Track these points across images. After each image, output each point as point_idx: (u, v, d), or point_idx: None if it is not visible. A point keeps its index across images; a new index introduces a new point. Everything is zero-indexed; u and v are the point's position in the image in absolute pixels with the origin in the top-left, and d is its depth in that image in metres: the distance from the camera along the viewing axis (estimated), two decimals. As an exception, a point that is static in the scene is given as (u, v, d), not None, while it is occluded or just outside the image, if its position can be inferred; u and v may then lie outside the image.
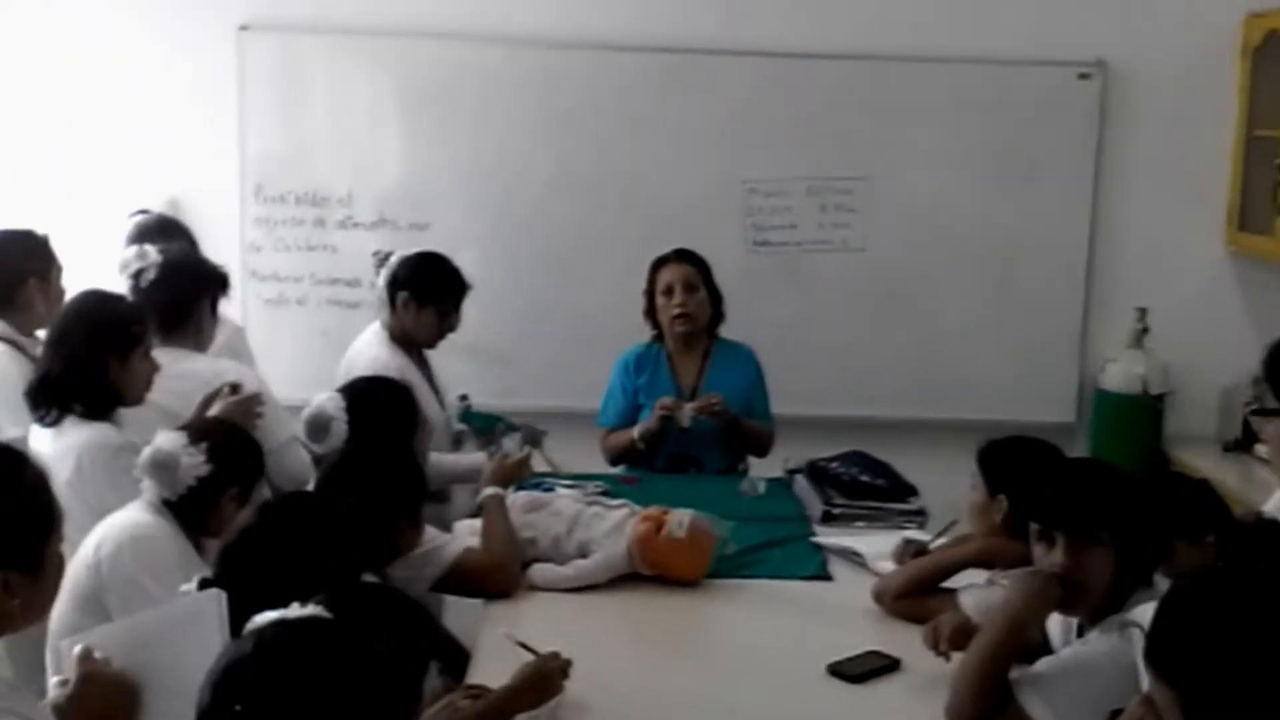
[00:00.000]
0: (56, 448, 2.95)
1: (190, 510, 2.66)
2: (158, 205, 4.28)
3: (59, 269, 3.66)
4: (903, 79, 5.13)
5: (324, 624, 1.61)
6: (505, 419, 4.10)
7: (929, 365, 5.26)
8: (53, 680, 1.95)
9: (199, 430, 2.74)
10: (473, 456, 3.88)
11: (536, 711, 2.35)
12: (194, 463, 2.63)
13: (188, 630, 1.93)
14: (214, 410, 3.15)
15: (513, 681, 2.40)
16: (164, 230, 4.05)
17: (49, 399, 3.08)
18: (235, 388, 3.29)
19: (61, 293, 3.58)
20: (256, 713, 1.49)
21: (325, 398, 3.08)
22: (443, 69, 5.08)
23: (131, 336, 3.15)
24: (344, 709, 1.52)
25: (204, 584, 2.09)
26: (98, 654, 1.93)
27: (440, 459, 3.67)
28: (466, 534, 3.16)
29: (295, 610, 1.64)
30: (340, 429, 2.99)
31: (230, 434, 2.84)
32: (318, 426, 3.01)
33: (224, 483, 2.67)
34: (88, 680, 1.90)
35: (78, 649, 1.93)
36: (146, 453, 2.65)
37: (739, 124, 5.13)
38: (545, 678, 2.42)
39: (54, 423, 3.06)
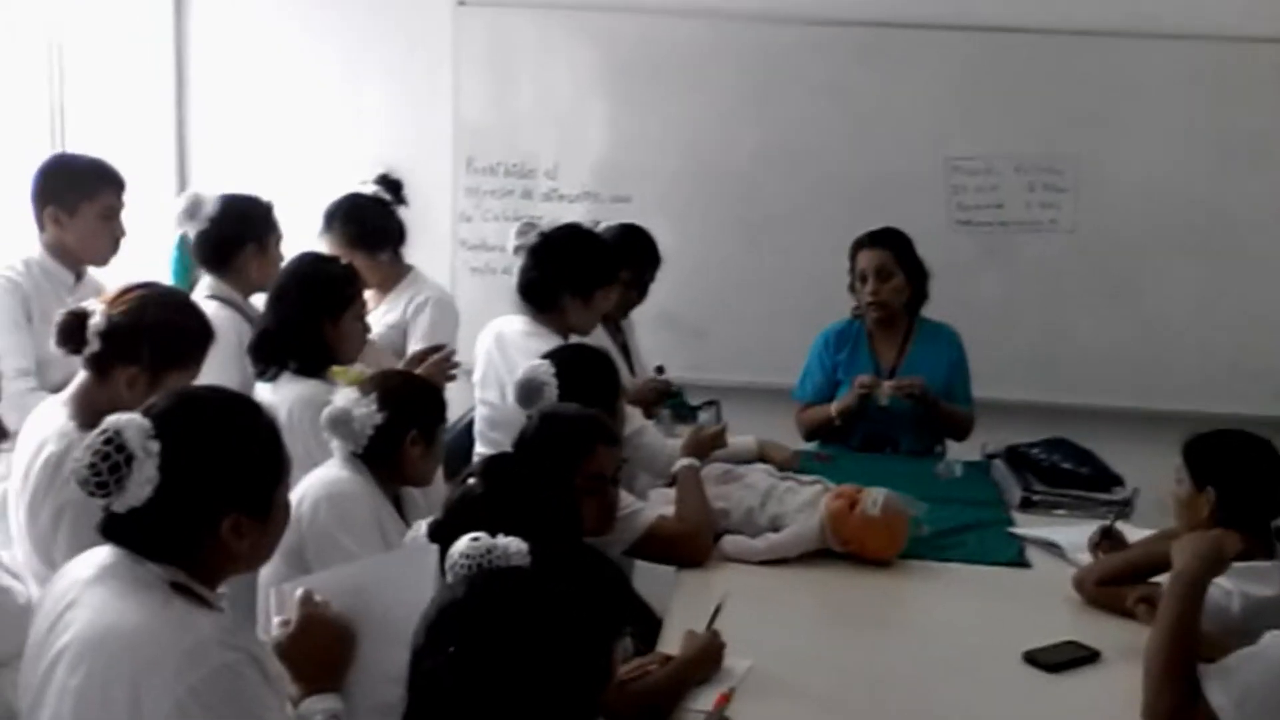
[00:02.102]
0: (272, 401, 3.08)
1: (379, 460, 2.75)
2: (376, 173, 4.42)
3: (278, 237, 3.80)
4: (1118, 55, 4.94)
5: (531, 575, 1.66)
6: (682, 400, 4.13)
7: (1138, 352, 5.08)
8: (275, 620, 2.05)
9: (369, 382, 2.84)
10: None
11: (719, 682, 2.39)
12: (367, 412, 2.71)
13: (403, 580, 2.00)
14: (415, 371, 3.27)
15: (688, 652, 2.44)
16: (347, 213, 4.16)
17: (267, 355, 3.25)
18: (438, 347, 3.42)
19: (280, 259, 3.71)
20: (468, 655, 1.56)
21: (536, 363, 3.16)
22: (649, 43, 5.13)
23: (344, 298, 3.30)
24: (548, 657, 1.57)
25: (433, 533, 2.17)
26: (318, 597, 2.03)
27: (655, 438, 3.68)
28: (660, 502, 3.21)
29: (499, 541, 1.71)
30: (551, 393, 3.06)
31: (399, 380, 2.92)
32: (530, 391, 3.09)
33: (402, 427, 2.74)
34: (308, 622, 2.00)
35: (299, 592, 2.03)
36: (326, 412, 2.75)
37: (945, 100, 5.04)
38: (716, 651, 2.46)
39: (272, 378, 3.23)
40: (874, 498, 3.11)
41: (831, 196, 5.09)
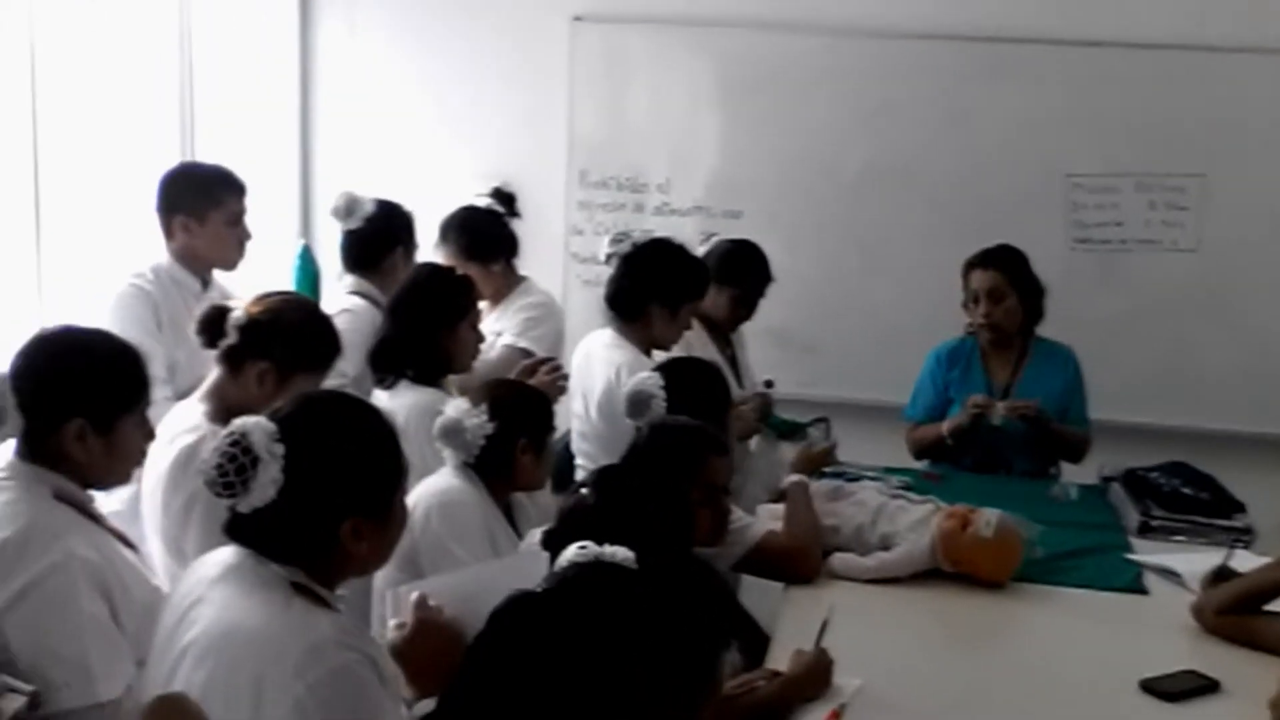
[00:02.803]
0: (389, 408, 3.13)
1: (490, 468, 2.79)
2: (491, 186, 4.49)
3: (415, 246, 3.91)
4: (1243, 71, 4.82)
5: (627, 574, 1.66)
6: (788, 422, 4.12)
7: (1262, 375, 4.93)
8: (391, 623, 2.09)
9: (480, 392, 2.87)
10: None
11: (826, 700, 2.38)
12: (478, 423, 2.75)
13: (515, 587, 2.02)
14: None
15: (794, 670, 2.43)
16: (462, 225, 4.23)
17: (386, 364, 3.32)
18: (548, 358, 3.47)
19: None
20: (533, 648, 1.54)
21: (645, 375, 3.18)
22: (763, 58, 5.13)
23: (460, 308, 3.36)
24: (623, 661, 1.55)
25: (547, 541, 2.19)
26: (432, 602, 2.06)
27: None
28: (769, 518, 3.20)
29: (607, 549, 1.71)
30: (660, 406, 3.08)
31: (509, 389, 2.96)
32: (639, 403, 3.11)
33: (512, 437, 2.78)
34: (423, 625, 2.02)
35: (414, 595, 2.06)
36: (438, 422, 2.79)
37: (1064, 116, 4.95)
38: (824, 670, 2.44)
39: (390, 386, 3.29)
40: (987, 518, 3.07)
41: (945, 213, 5.03)
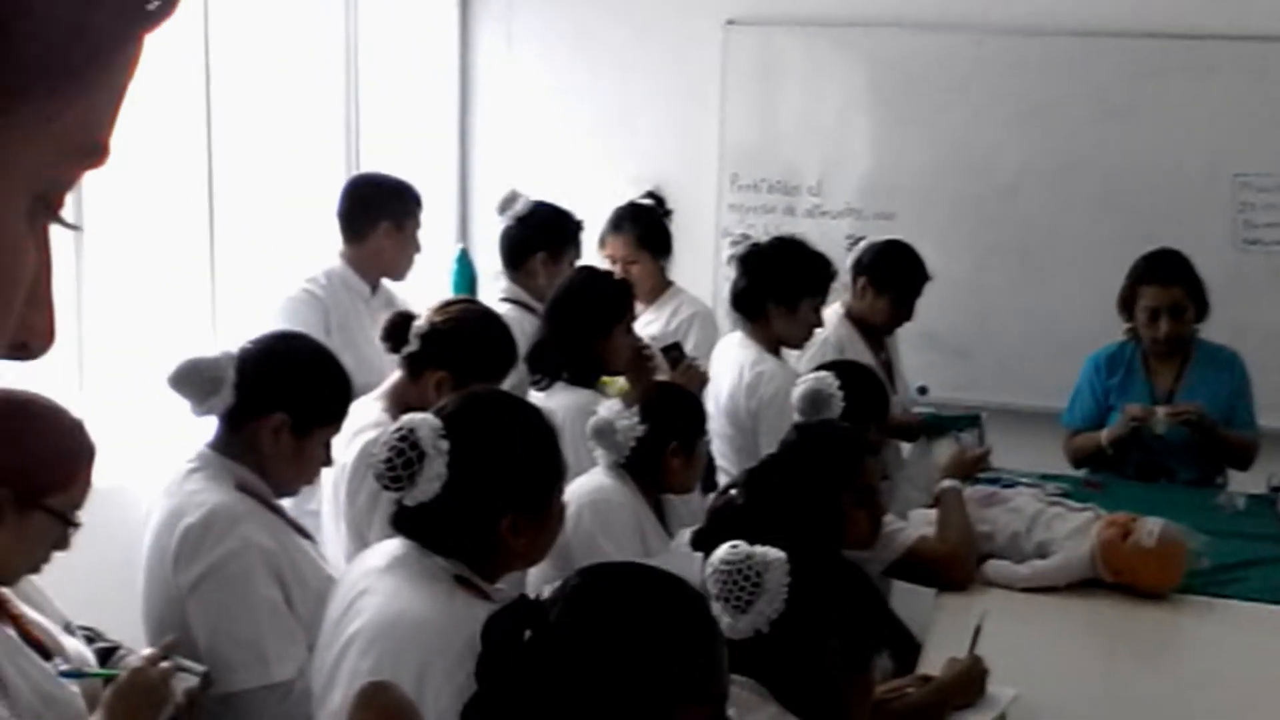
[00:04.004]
0: (545, 409, 3.21)
1: (641, 469, 2.84)
2: (644, 189, 4.55)
3: (574, 250, 3.95)
4: None
5: (666, 580, 1.61)
6: (945, 416, 4.07)
7: None
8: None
9: (632, 394, 2.92)
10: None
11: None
12: (630, 424, 2.80)
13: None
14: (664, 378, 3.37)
15: (947, 677, 2.41)
16: (635, 215, 4.28)
17: (542, 365, 3.38)
18: (679, 352, 3.50)
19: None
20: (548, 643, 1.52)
21: (821, 374, 3.19)
22: (917, 58, 5.08)
23: (615, 312, 3.41)
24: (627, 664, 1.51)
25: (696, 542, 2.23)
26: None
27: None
28: (921, 523, 3.17)
29: (757, 549, 1.72)
30: (838, 405, 3.09)
31: (662, 392, 3.01)
32: (816, 401, 3.12)
33: (663, 438, 2.83)
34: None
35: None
36: (591, 422, 2.85)
37: (1233, 114, 4.78)
38: (978, 678, 2.41)
39: (545, 387, 3.36)
40: (1150, 527, 2.99)
41: (1106, 214, 4.91)
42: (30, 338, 0.52)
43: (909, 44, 5.08)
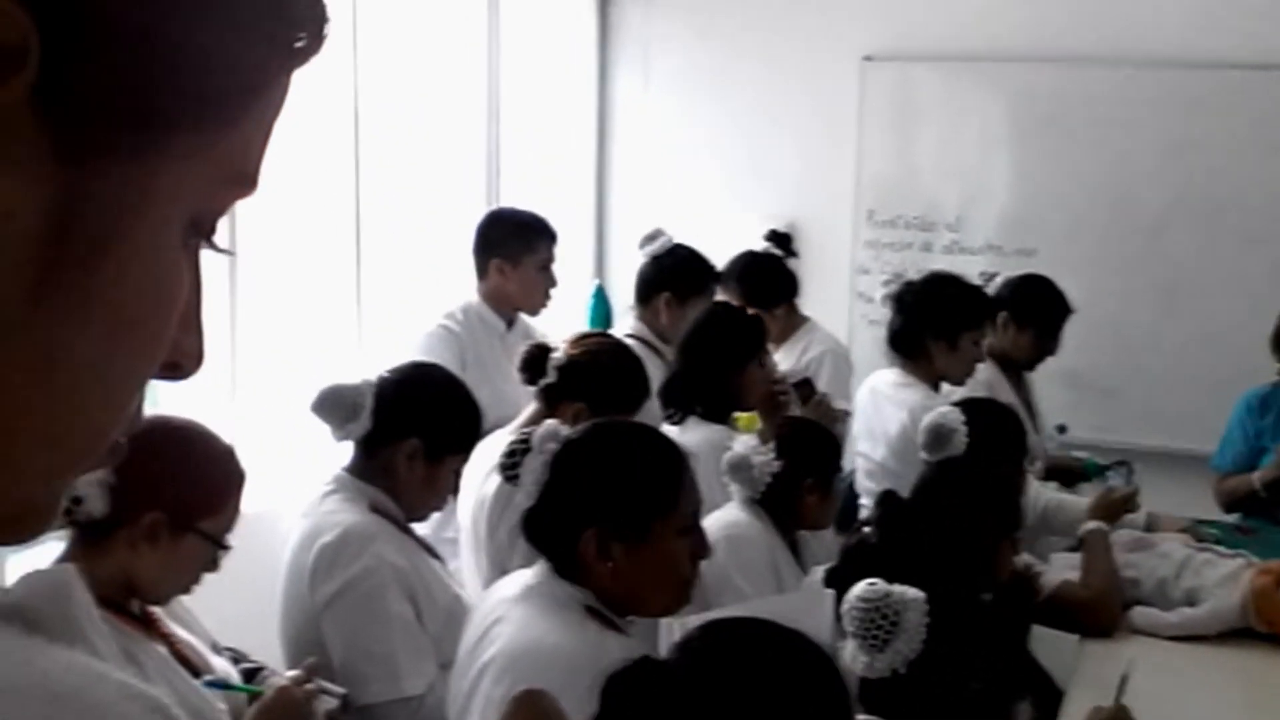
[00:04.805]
0: (678, 443, 3.22)
1: (776, 505, 2.81)
2: (780, 227, 4.54)
3: (706, 296, 3.91)
4: None
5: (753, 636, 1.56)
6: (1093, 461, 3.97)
7: None
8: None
9: (768, 429, 2.90)
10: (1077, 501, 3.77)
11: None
12: (765, 460, 2.78)
13: (800, 622, 2.03)
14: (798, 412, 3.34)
15: None
16: (744, 272, 4.25)
17: (676, 399, 3.39)
18: (810, 388, 3.47)
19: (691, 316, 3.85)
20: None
21: (945, 410, 3.15)
22: (1059, 92, 4.99)
23: (749, 348, 3.40)
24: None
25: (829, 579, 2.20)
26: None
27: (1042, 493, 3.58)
28: (1064, 567, 3.09)
29: (895, 588, 1.68)
30: (961, 441, 3.04)
31: (798, 428, 2.98)
32: (939, 437, 3.08)
33: (799, 475, 2.81)
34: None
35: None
36: (726, 457, 2.84)
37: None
38: None
39: (679, 421, 3.36)
40: (1307, 576, 2.87)
41: (1258, 251, 4.75)
42: (182, 359, 0.54)
43: (1051, 77, 4.99)
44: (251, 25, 0.50)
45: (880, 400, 3.73)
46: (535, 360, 2.87)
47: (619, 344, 3.10)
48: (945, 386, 3.76)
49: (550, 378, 2.84)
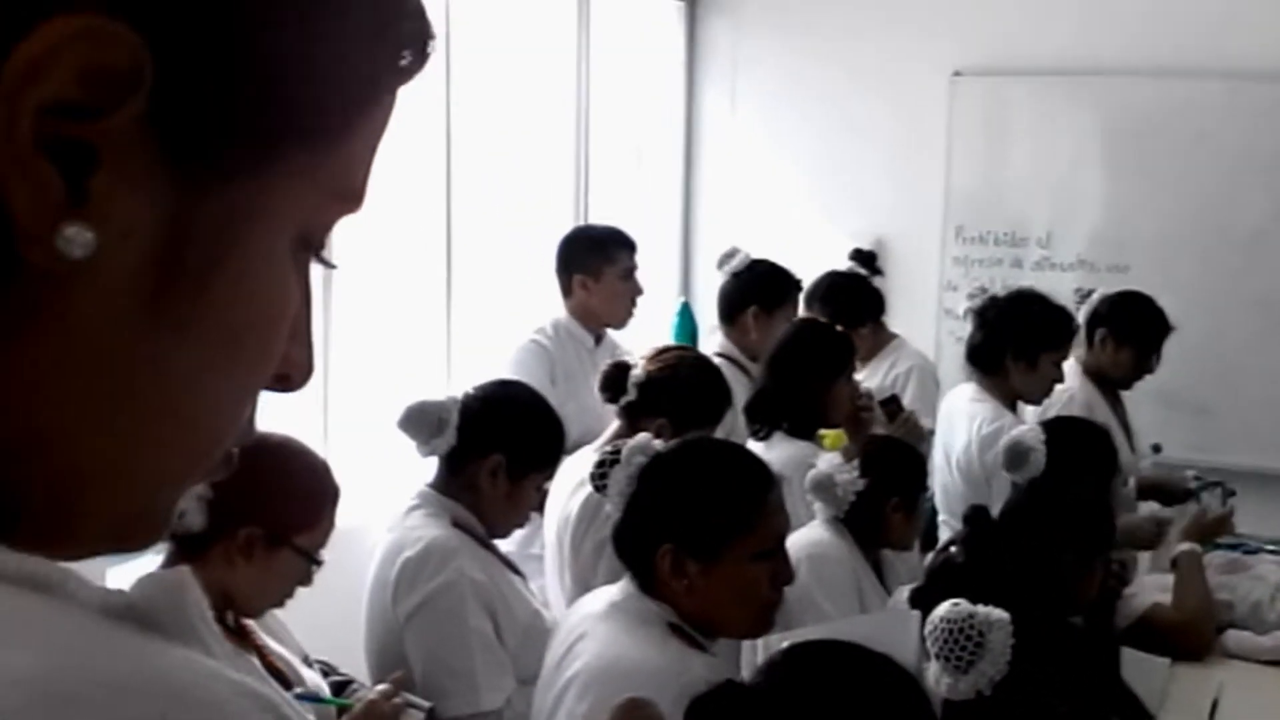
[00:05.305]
0: (764, 460, 3.22)
1: (860, 523, 2.79)
2: (867, 244, 4.53)
3: (789, 308, 3.95)
4: None
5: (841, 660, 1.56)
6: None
7: None
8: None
9: (853, 447, 2.88)
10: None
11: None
12: (850, 478, 2.76)
13: (884, 643, 2.02)
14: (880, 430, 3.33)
15: None
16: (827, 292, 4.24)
17: (762, 415, 3.39)
18: (897, 405, 3.45)
19: (779, 330, 3.85)
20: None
21: (1026, 428, 3.12)
22: (1153, 106, 4.91)
23: (837, 365, 3.39)
24: None
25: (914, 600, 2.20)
26: (798, 653, 2.10)
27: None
28: (1155, 589, 3.04)
29: (980, 609, 1.67)
30: (1038, 460, 3.00)
31: (883, 446, 2.96)
32: (1016, 455, 3.05)
33: (884, 493, 2.78)
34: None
35: (785, 645, 2.10)
36: (810, 475, 2.82)
37: None
38: None
39: (764, 437, 3.36)
40: (1407, 602, 2.79)
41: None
42: (292, 370, 0.56)
43: (1145, 91, 4.92)
44: (359, 45, 0.51)
45: (955, 415, 3.71)
46: (615, 378, 2.90)
47: (698, 356, 3.12)
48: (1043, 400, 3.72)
49: (630, 395, 2.86)
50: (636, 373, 2.87)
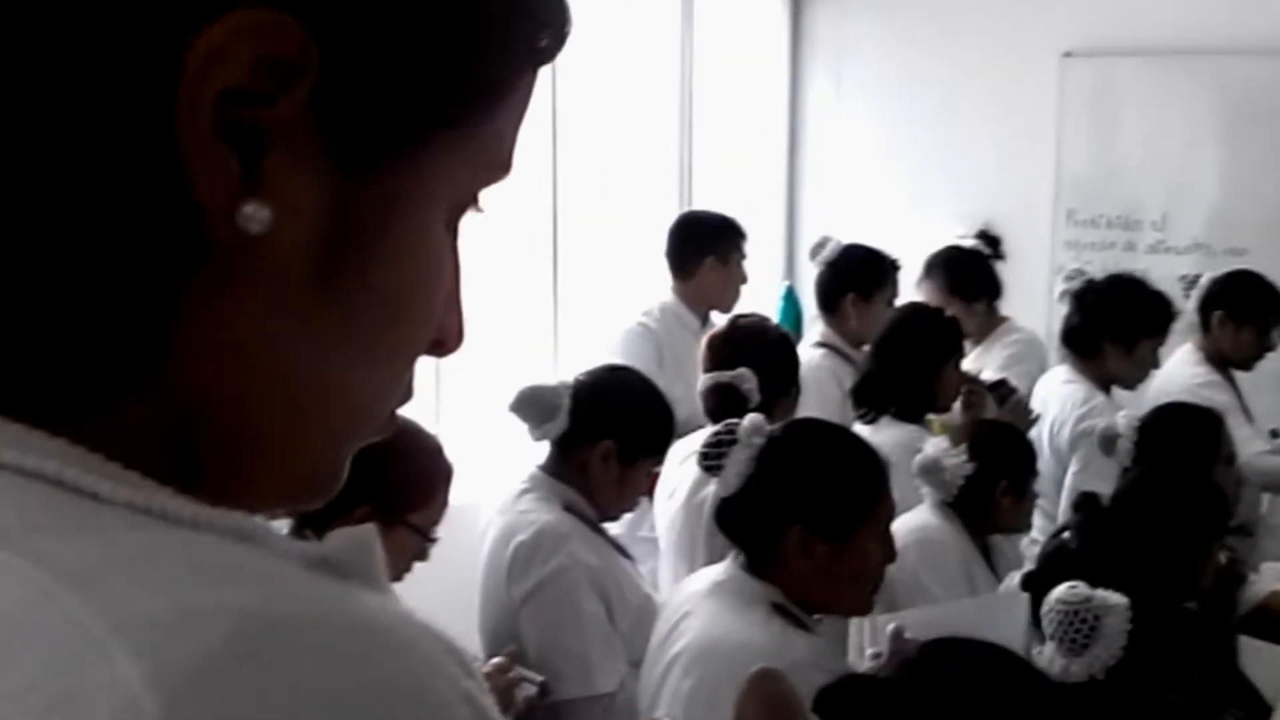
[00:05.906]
0: (871, 443, 3.22)
1: (969, 508, 2.78)
2: (975, 228, 4.47)
3: (889, 290, 3.93)
4: None
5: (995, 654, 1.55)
6: None
7: None
8: (867, 652, 2.14)
9: (961, 431, 2.86)
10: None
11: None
12: (958, 463, 2.74)
13: (994, 626, 2.02)
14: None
15: None
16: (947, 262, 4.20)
17: (869, 399, 3.38)
18: (1006, 388, 3.41)
19: (881, 314, 3.80)
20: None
21: (1120, 415, 3.07)
22: (1271, 85, 4.77)
23: (947, 349, 3.37)
24: None
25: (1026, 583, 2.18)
26: (908, 634, 2.09)
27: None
28: (1275, 577, 2.97)
29: (1098, 592, 1.65)
30: (1125, 447, 2.96)
31: (991, 431, 2.93)
32: (1105, 442, 3.02)
33: (993, 478, 2.76)
34: (897, 655, 2.06)
35: (891, 626, 2.09)
36: (917, 460, 2.81)
37: None
38: None
39: (871, 420, 3.35)
40: None
41: None
42: (446, 336, 0.60)
43: (1263, 70, 4.78)
44: (502, 28, 0.54)
45: (1049, 398, 3.67)
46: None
47: (761, 321, 3.20)
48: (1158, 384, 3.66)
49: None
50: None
